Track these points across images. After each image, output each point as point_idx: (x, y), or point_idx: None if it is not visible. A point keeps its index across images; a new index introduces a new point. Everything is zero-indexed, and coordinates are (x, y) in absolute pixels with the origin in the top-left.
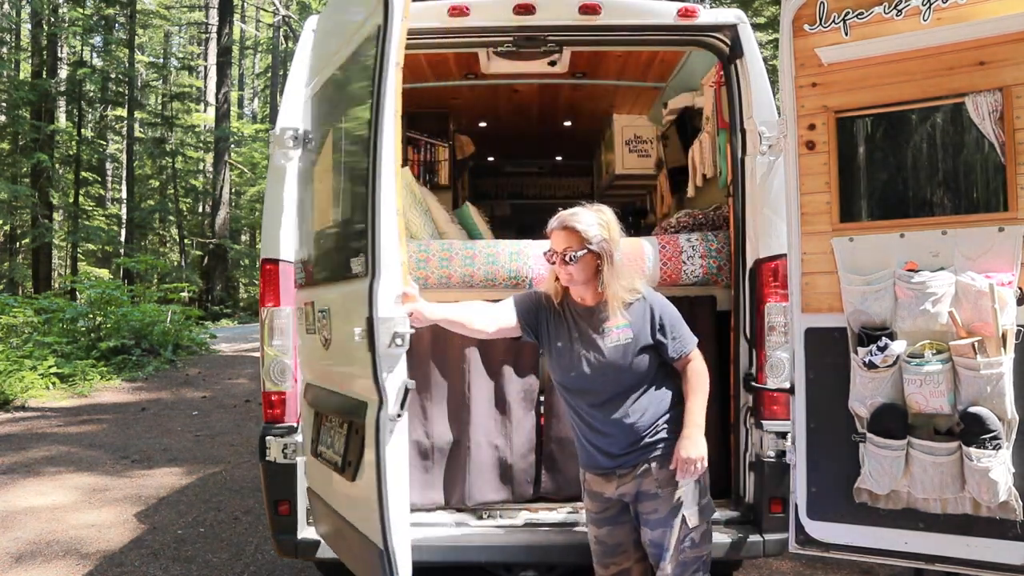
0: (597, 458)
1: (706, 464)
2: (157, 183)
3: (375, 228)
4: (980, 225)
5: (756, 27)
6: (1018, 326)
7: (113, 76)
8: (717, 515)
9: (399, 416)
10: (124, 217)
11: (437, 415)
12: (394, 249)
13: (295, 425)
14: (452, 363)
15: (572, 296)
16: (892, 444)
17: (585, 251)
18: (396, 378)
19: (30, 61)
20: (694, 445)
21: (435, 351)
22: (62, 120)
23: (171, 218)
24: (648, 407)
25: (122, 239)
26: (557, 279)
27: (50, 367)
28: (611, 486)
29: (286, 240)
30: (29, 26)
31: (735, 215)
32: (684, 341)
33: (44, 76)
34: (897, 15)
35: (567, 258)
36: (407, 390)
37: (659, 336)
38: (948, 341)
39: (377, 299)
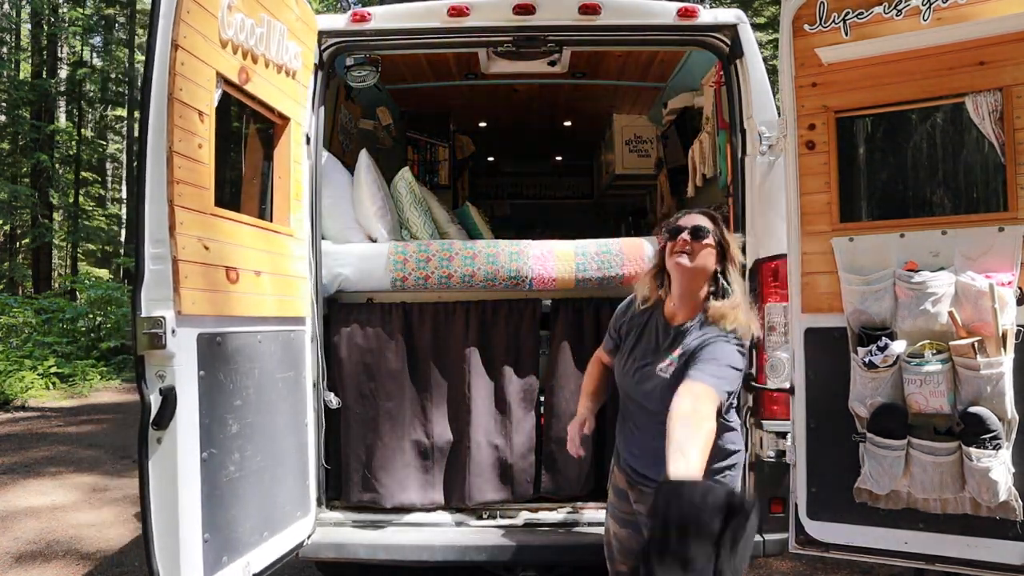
0: (630, 464)
1: None
2: None
3: (140, 224)
4: (980, 225)
5: (756, 27)
6: (1018, 326)
7: (113, 76)
8: None
9: (155, 427)
10: (124, 217)
11: (437, 415)
12: (163, 243)
13: None
14: (452, 363)
15: (665, 308)
16: (892, 444)
17: (713, 241)
18: (159, 383)
19: (30, 61)
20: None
21: (435, 351)
22: (62, 120)
23: None
24: None
25: (122, 239)
26: (657, 279)
27: (50, 367)
28: (634, 492)
29: None
30: (29, 26)
31: (735, 215)
32: (698, 372)
33: (44, 76)
34: (897, 15)
35: (695, 232)
36: (170, 398)
37: (686, 363)
38: (948, 341)
39: (141, 296)
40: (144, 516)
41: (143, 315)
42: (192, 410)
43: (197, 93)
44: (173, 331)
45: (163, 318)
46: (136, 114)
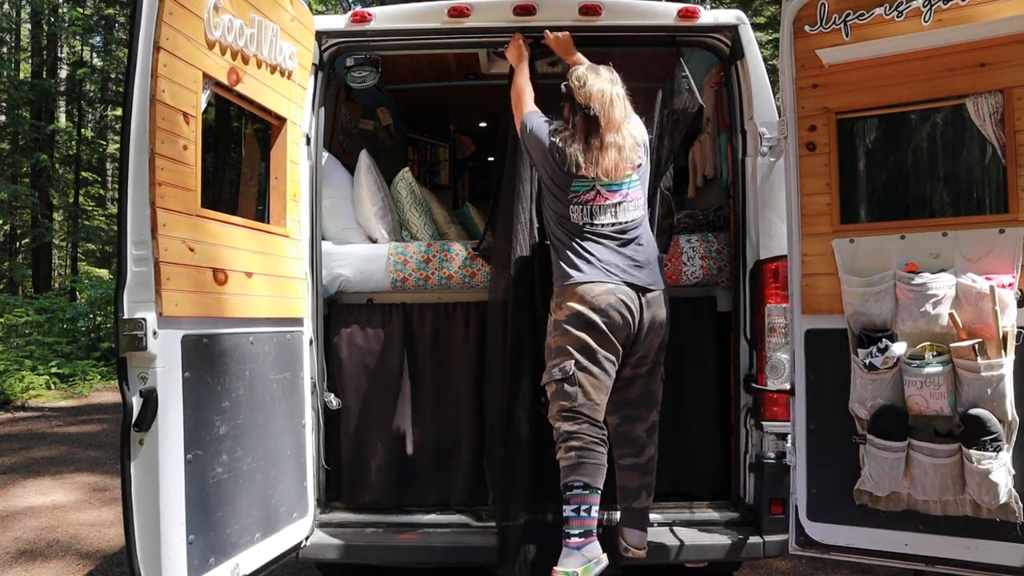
0: None
1: None
2: None
3: (122, 226)
4: (981, 227)
5: (756, 27)
6: (1018, 328)
7: (113, 76)
8: (717, 516)
9: (136, 428)
10: None
11: (438, 416)
12: (145, 245)
13: None
14: (453, 364)
15: None
16: (892, 446)
17: None
18: (140, 384)
19: (30, 61)
20: None
21: (436, 352)
22: (62, 120)
23: None
24: None
25: None
26: None
27: (51, 367)
28: None
29: None
30: (29, 26)
31: (735, 216)
32: None
33: (44, 76)
34: (898, 16)
35: None
36: (151, 400)
37: None
38: (948, 343)
39: (123, 299)
40: (126, 517)
41: (124, 317)
42: (176, 412)
43: (181, 95)
44: (155, 333)
45: (144, 320)
46: None
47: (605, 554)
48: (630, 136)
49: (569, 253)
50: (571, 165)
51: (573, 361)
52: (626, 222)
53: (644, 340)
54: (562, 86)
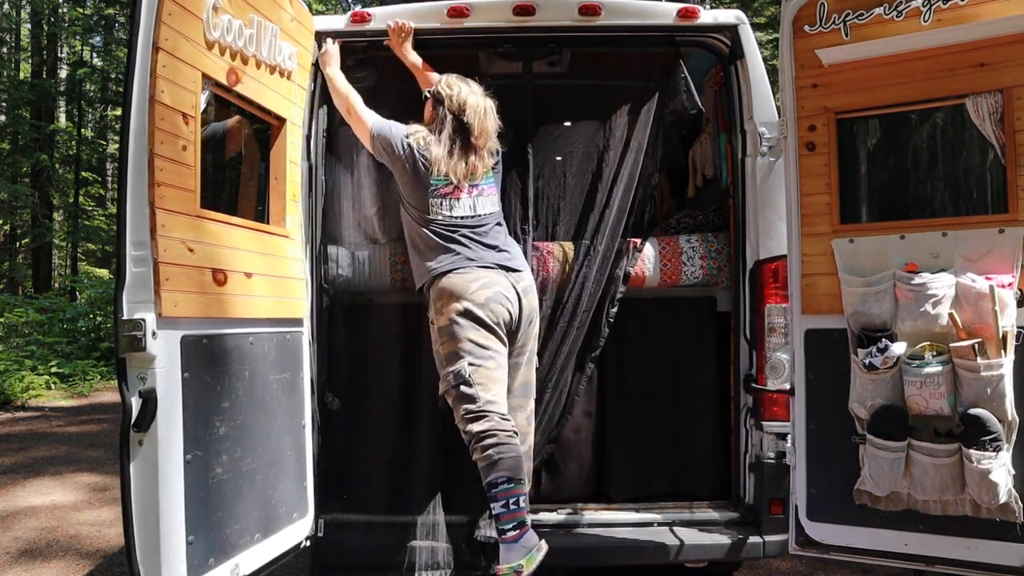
0: None
1: None
2: None
3: (121, 226)
4: (980, 227)
5: (756, 27)
6: (1018, 328)
7: (113, 76)
8: (716, 516)
9: (136, 429)
10: None
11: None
12: (144, 246)
13: None
14: None
15: None
16: (892, 446)
17: None
18: (140, 385)
19: (30, 61)
20: None
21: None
22: (62, 120)
23: None
24: None
25: None
26: None
27: (51, 366)
28: None
29: None
30: (29, 26)
31: (735, 216)
32: None
33: (44, 76)
34: (897, 16)
35: None
36: (150, 400)
37: None
38: (948, 343)
39: (122, 299)
40: (126, 518)
41: (123, 317)
42: (175, 412)
43: (181, 95)
44: (154, 333)
45: (143, 320)
46: None
47: (543, 540)
48: (491, 144)
49: (433, 248)
50: (432, 165)
51: (466, 362)
52: (484, 214)
53: (523, 329)
54: (427, 92)
